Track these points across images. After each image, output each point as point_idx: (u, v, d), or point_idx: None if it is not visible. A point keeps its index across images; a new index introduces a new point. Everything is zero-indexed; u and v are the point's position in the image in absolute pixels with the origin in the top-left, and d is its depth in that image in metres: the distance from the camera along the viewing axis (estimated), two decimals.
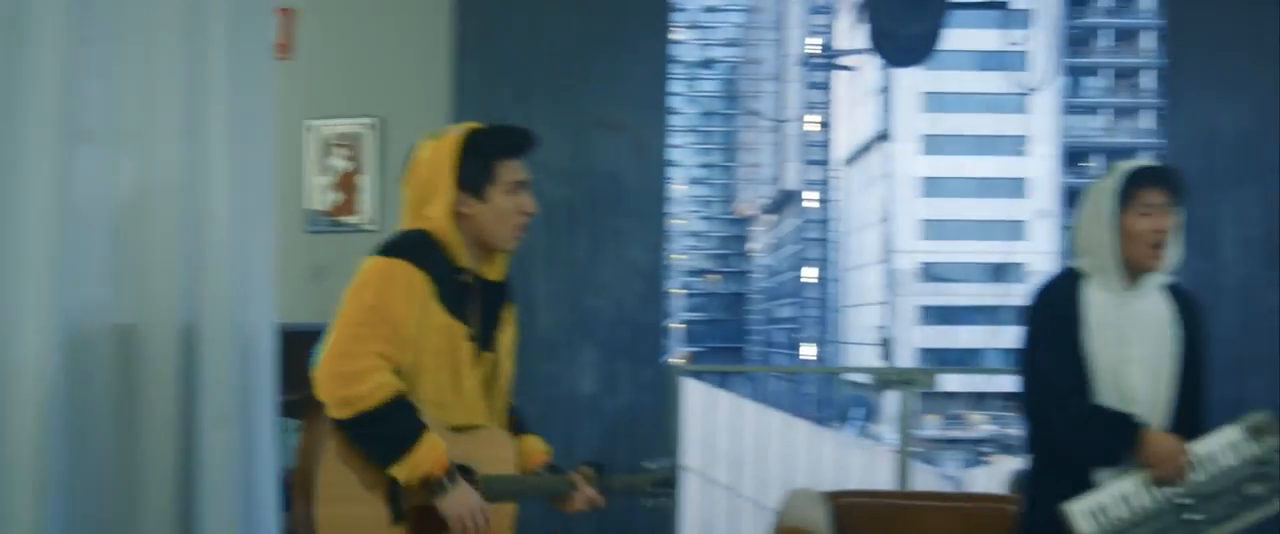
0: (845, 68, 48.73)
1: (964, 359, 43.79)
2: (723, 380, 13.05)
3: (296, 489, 2.38)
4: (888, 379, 4.81)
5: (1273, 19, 4.07)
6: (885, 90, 49.07)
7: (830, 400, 43.03)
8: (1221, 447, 2.60)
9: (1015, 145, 49.08)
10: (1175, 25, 4.28)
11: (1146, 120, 49.79)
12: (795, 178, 58.61)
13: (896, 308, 48.99)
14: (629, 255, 4.66)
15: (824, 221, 58.66)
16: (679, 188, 78.31)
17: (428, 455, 2.27)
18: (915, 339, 47.31)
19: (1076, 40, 50.69)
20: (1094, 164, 50.66)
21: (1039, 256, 49.50)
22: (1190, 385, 2.75)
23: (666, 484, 2.57)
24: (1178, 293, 2.83)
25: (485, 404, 2.51)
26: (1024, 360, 2.80)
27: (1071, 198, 50.58)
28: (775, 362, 61.69)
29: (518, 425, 2.64)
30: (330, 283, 4.86)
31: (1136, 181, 2.73)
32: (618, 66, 4.66)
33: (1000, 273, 49.25)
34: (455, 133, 2.46)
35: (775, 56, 58.51)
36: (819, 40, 52.96)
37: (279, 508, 3.64)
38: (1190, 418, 2.72)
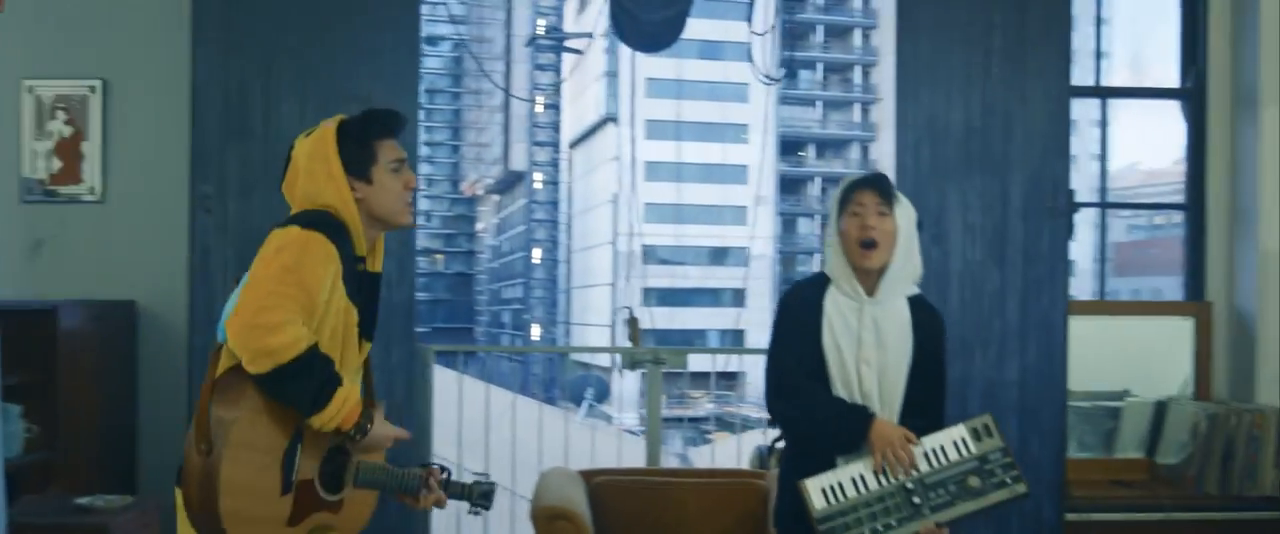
0: (573, 50, 49.06)
1: (687, 340, 45.05)
2: (449, 362, 12.90)
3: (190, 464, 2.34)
4: (638, 359, 4.87)
5: (996, 19, 4.35)
6: (613, 74, 49.78)
7: (557, 381, 43.43)
8: (949, 442, 2.86)
9: (737, 133, 50.82)
10: (904, 23, 4.50)
11: (857, 114, 52.61)
12: (523, 158, 58.65)
13: (623, 290, 49.90)
14: None
15: (552, 203, 58.99)
16: None
17: (344, 406, 2.34)
18: (643, 320, 48.32)
19: (793, 35, 52.94)
20: (807, 153, 53.27)
21: (758, 241, 51.57)
22: (921, 388, 2.96)
23: (487, 498, 2.66)
24: (919, 305, 3.03)
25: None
26: (770, 355, 2.98)
27: (786, 185, 53.07)
28: (503, 342, 61.67)
29: None
30: (52, 257, 4.57)
31: (851, 188, 2.97)
32: (366, 40, 4.52)
33: (722, 256, 51.02)
34: (328, 124, 2.57)
35: (504, 36, 58.22)
36: (547, 21, 53.14)
37: (5, 499, 3.37)
38: (922, 417, 2.94)
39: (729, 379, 41.77)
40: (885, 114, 52.72)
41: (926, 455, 2.84)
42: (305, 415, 2.32)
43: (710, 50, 46.39)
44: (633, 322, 5.38)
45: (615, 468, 4.53)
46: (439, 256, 77.81)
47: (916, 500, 2.79)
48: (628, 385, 47.25)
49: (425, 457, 4.69)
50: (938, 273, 4.47)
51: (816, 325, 2.92)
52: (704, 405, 44.24)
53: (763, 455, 5.08)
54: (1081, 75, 4.83)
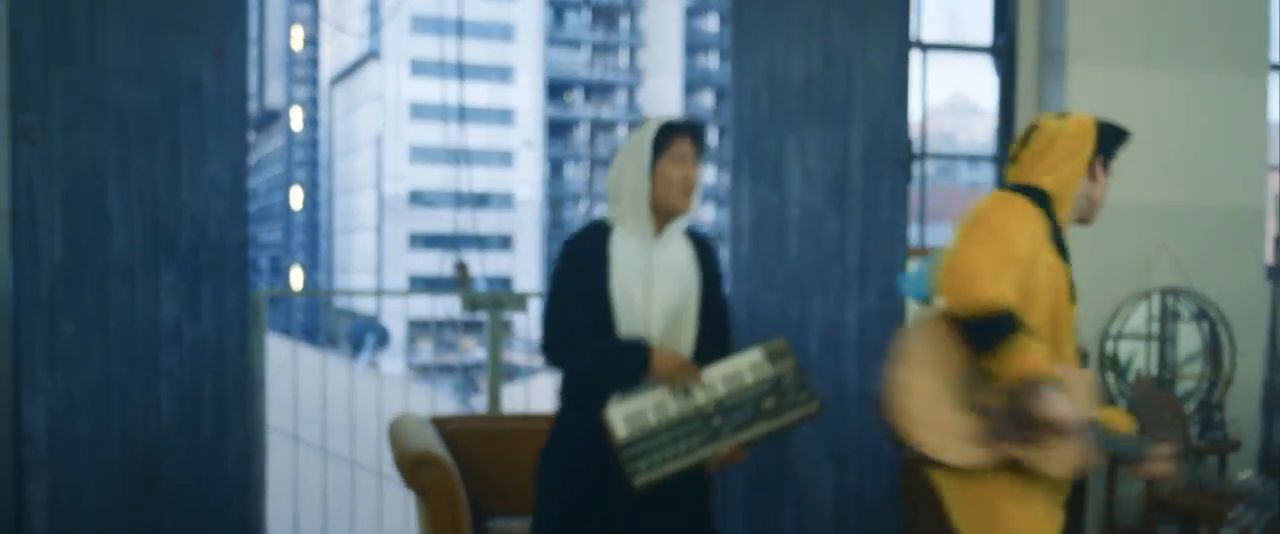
0: None
1: (455, 286, 44.70)
2: None
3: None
4: (478, 302, 4.81)
5: None
6: (374, 9, 48.44)
7: (322, 329, 42.33)
8: (745, 366, 2.96)
9: (503, 74, 50.41)
10: None
11: (624, 58, 52.97)
12: (280, 96, 56.45)
13: (386, 234, 48.99)
14: (209, 171, 4.31)
15: (312, 143, 57.15)
16: None
17: (1033, 357, 2.55)
18: (407, 265, 47.61)
19: None
20: (574, 98, 53.33)
21: (525, 185, 51.48)
22: (710, 317, 3.05)
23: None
24: (696, 237, 3.11)
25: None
26: (549, 304, 2.97)
27: (553, 129, 53.08)
28: (262, 286, 59.51)
29: None
30: None
31: (669, 133, 2.97)
32: None
33: (488, 201, 50.68)
34: (1087, 120, 2.95)
35: None
36: None
37: None
38: (713, 343, 3.04)
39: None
40: (651, 59, 53.32)
41: (725, 378, 2.93)
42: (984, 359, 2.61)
43: None
44: (461, 267, 5.32)
45: (463, 415, 4.49)
46: None
47: (716, 422, 2.88)
48: (394, 333, 46.52)
49: (258, 411, 4.53)
50: (776, 219, 4.59)
51: (603, 271, 2.93)
52: (475, 352, 44.10)
53: None
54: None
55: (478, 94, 49.66)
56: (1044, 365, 2.57)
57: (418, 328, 46.11)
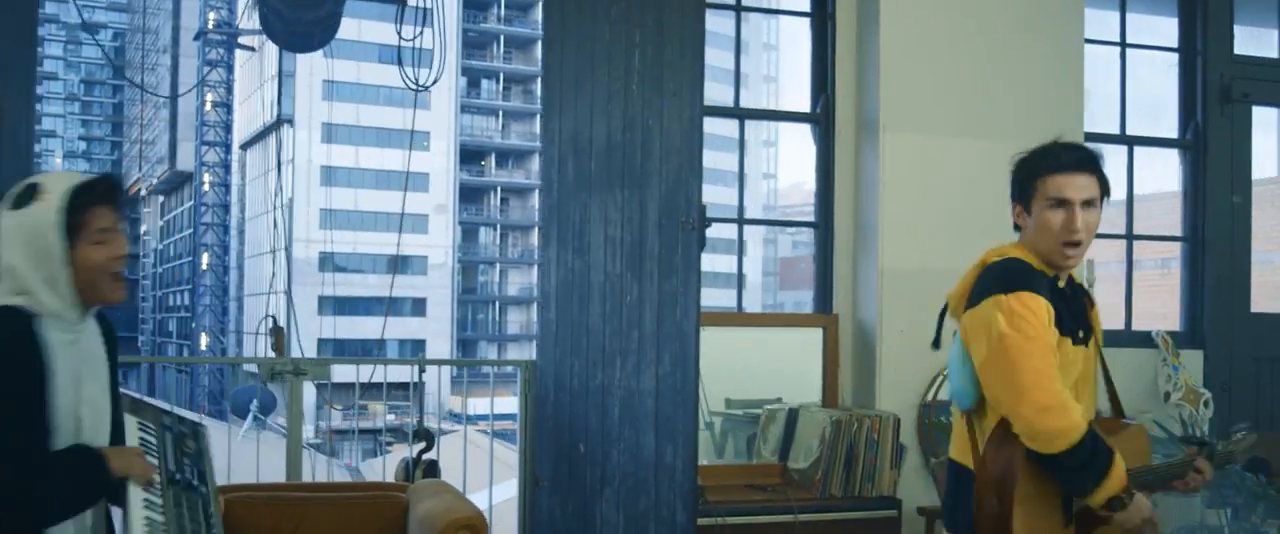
0: (245, 47, 47.10)
1: (366, 350, 44.04)
2: None
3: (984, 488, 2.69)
4: (278, 369, 4.69)
5: (636, 37, 4.47)
6: (288, 75, 48.16)
7: (226, 393, 41.40)
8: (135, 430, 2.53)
9: (417, 140, 50.27)
10: (551, 38, 4.57)
11: (537, 125, 53.11)
12: (191, 158, 55.71)
13: (296, 297, 48.27)
14: None
15: (222, 206, 56.31)
16: (57, 161, 71.55)
17: (1116, 480, 2.54)
18: (316, 329, 46.87)
19: (476, 44, 52.98)
20: (488, 163, 53.35)
21: (437, 249, 51.16)
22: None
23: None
24: (102, 320, 2.59)
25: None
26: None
27: (466, 194, 52.93)
28: (169, 352, 58.37)
29: None
30: None
31: (81, 207, 2.39)
32: None
33: (400, 265, 50.23)
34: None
35: (170, 28, 55.18)
36: (218, 15, 50.72)
37: None
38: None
39: (405, 389, 41.24)
40: None
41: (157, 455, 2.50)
42: (1078, 494, 2.61)
43: (389, 54, 45.68)
44: (276, 330, 5.19)
45: (250, 483, 4.34)
46: None
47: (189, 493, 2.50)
48: (305, 397, 45.73)
49: None
50: (581, 284, 4.55)
51: (40, 374, 2.33)
52: (385, 417, 43.48)
53: (408, 467, 5.02)
54: (749, 98, 5.03)
55: (388, 159, 49.44)
56: (1123, 473, 2.59)
57: (330, 391, 45.39)
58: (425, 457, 4.96)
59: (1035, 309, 2.57)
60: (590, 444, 4.51)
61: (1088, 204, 2.72)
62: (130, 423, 2.52)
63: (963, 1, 5.31)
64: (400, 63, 5.58)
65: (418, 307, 51.99)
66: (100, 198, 2.42)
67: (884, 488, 4.94)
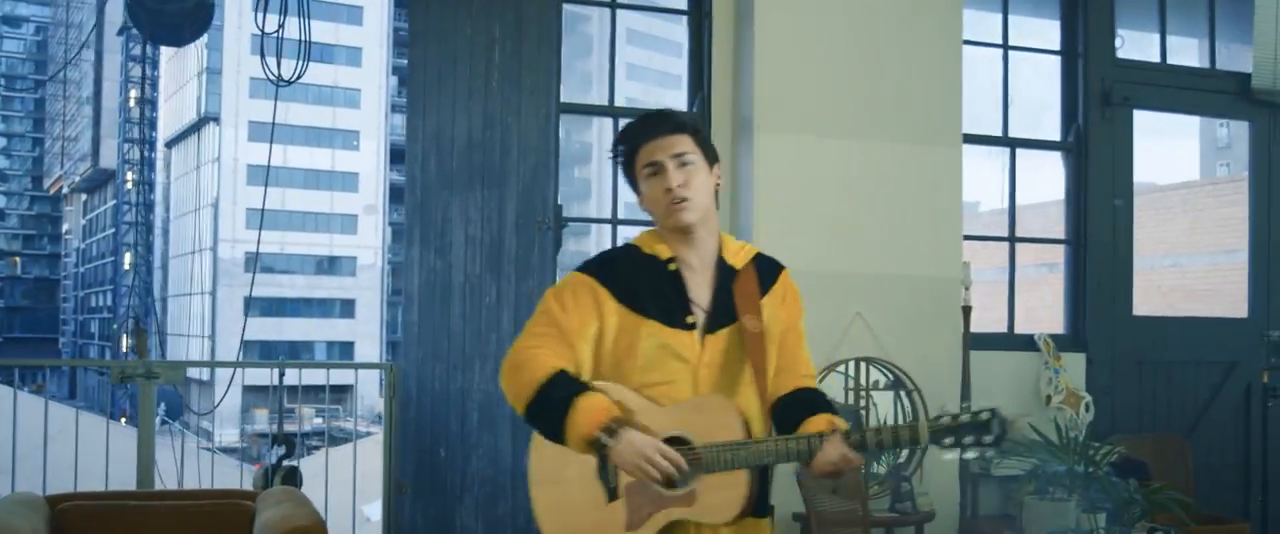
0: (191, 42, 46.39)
1: (293, 352, 43.50)
2: (10, 377, 11.73)
3: None
4: (129, 372, 4.53)
5: (496, 33, 4.37)
6: (214, 71, 47.50)
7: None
8: None
9: (346, 140, 49.79)
10: (415, 35, 4.46)
11: None
12: (114, 156, 54.68)
13: (221, 298, 47.59)
14: None
15: (146, 205, 55.33)
16: None
17: (582, 425, 2.35)
18: (244, 331, 46.22)
19: (407, 42, 52.60)
20: None
21: (366, 250, 50.65)
22: None
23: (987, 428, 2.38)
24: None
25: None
26: None
27: (396, 193, 52.44)
28: (89, 354, 57.30)
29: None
30: None
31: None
32: None
33: (330, 266, 49.70)
34: None
35: (94, 23, 54.11)
36: None
37: None
38: None
39: (339, 391, 40.78)
40: None
41: None
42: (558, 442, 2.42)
43: (321, 53, 45.22)
44: (139, 332, 5.05)
45: (91, 492, 4.19)
46: (16, 259, 71.14)
47: None
48: (228, 400, 45.12)
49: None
50: (442, 285, 4.44)
51: None
52: (313, 420, 43.00)
53: (267, 474, 4.88)
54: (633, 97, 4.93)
55: (321, 159, 48.92)
56: (600, 410, 2.37)
57: (256, 394, 44.80)
58: (286, 463, 4.82)
59: (571, 283, 2.59)
60: (450, 449, 4.40)
61: (679, 160, 2.55)
62: None
63: (839, 2, 5.26)
64: (263, 55, 5.39)
65: (346, 308, 51.51)
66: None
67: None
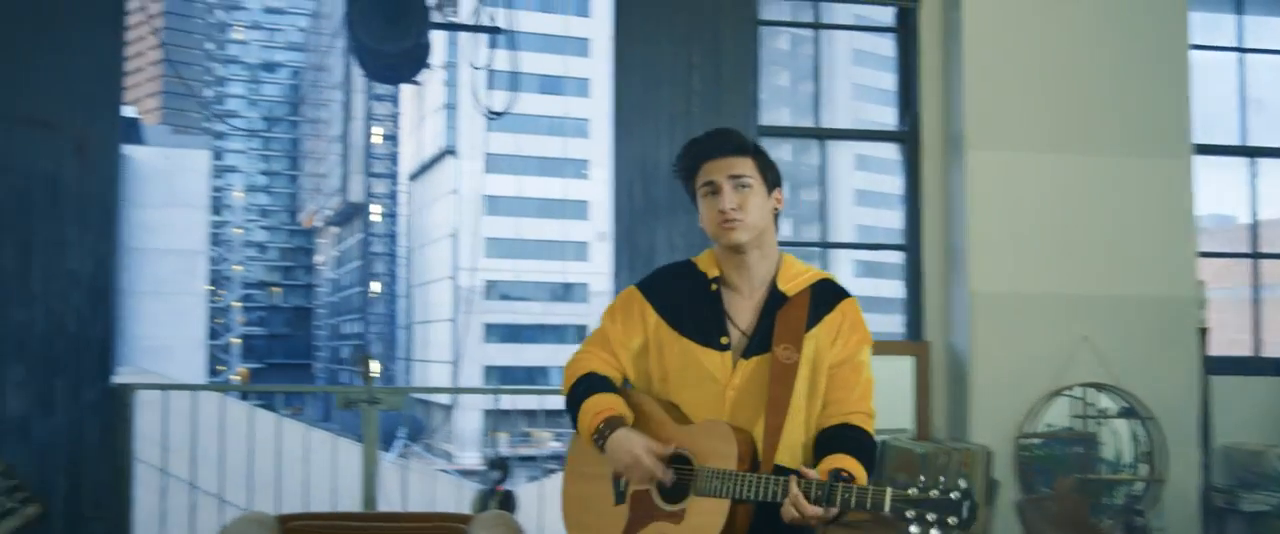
0: (411, 82, 48.66)
1: (531, 377, 44.72)
2: (272, 401, 12.49)
3: None
4: (353, 399, 4.73)
5: (694, 60, 4.39)
6: (451, 107, 49.50)
7: (391, 421, 42.62)
8: None
9: (577, 169, 50.98)
10: (620, 63, 4.51)
11: None
12: (360, 190, 57.75)
13: (461, 324, 49.41)
14: (67, 265, 4.32)
15: (391, 236, 58.15)
16: (237, 196, 75.04)
17: (585, 422, 2.51)
18: (483, 357, 47.90)
19: None
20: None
21: (598, 276, 51.66)
22: None
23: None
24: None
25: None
26: None
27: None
28: (341, 380, 60.41)
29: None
30: None
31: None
32: (57, 61, 4.32)
33: (563, 292, 50.93)
34: None
35: (342, 64, 57.42)
36: None
37: None
38: None
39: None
40: None
41: None
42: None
43: (550, 85, 46.59)
44: (363, 359, 5.25)
45: (316, 513, 4.37)
46: (276, 289, 75.92)
47: None
48: (468, 424, 46.72)
49: (122, 503, 4.47)
50: None
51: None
52: (550, 444, 44.12)
53: (485, 497, 5.00)
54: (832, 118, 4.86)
55: (552, 187, 50.23)
56: (601, 410, 2.51)
57: (497, 418, 46.31)
58: (501, 488, 4.92)
59: (623, 297, 2.68)
60: None
61: (737, 181, 2.51)
62: None
63: (1052, 11, 5.04)
64: (473, 90, 5.57)
65: (580, 334, 52.57)
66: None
67: (975, 526, 4.68)
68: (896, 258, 5.27)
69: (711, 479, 2.40)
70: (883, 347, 5.46)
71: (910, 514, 2.18)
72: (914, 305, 5.22)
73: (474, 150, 49.87)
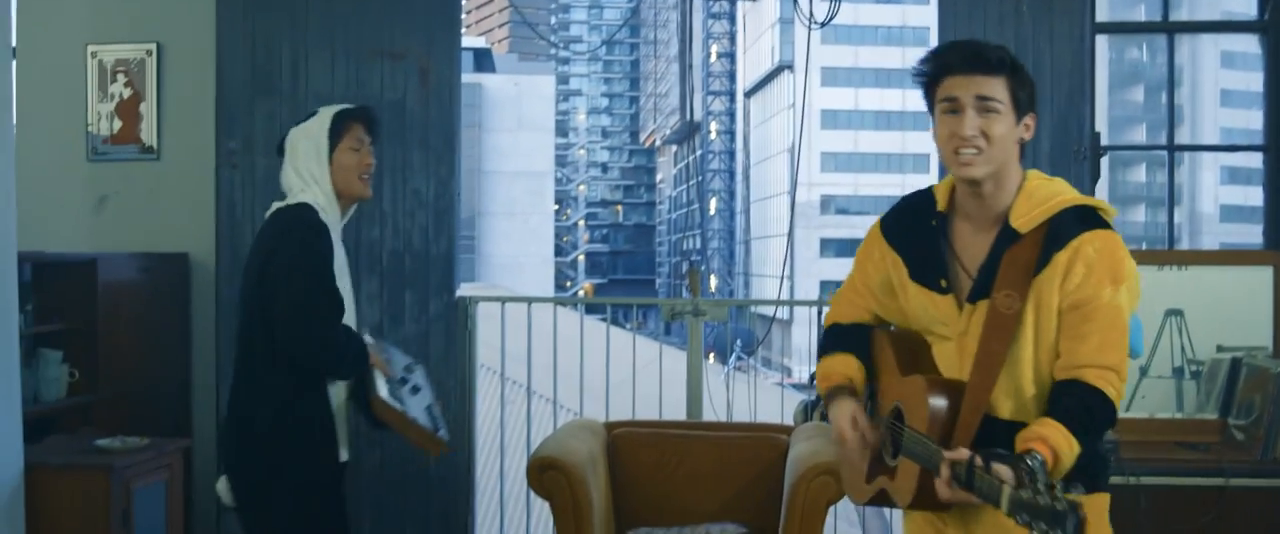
0: None
1: None
2: (616, 315, 13.00)
3: None
4: (678, 310, 4.83)
5: None
6: (786, 21, 49.21)
7: (727, 333, 43.47)
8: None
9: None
10: None
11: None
12: (698, 108, 58.65)
13: (798, 240, 49.57)
14: (412, 186, 4.62)
15: (728, 153, 58.87)
16: (580, 118, 78.09)
17: (822, 378, 2.50)
18: (819, 271, 47.94)
19: None
20: None
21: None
22: None
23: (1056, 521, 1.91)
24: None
25: None
26: (302, 288, 2.91)
27: None
28: (681, 293, 62.16)
29: None
30: (117, 211, 4.82)
31: (343, 120, 3.09)
32: None
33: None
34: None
35: None
36: None
37: (22, 436, 3.59)
38: None
39: None
40: None
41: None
42: None
43: None
44: (692, 272, 5.34)
45: (641, 420, 4.53)
46: (619, 207, 78.75)
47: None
48: (803, 338, 47.08)
49: (468, 412, 4.77)
50: None
51: (329, 253, 3.01)
52: None
53: (806, 409, 5.00)
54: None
55: (892, 99, 49.20)
56: (832, 375, 2.45)
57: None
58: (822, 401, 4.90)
59: (869, 233, 2.47)
60: None
61: (984, 104, 2.17)
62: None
63: None
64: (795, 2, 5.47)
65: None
66: (355, 118, 3.10)
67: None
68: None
69: (911, 442, 2.23)
70: (1236, 256, 5.01)
71: (1023, 517, 1.96)
72: (1274, 210, 4.74)
73: (810, 64, 49.53)
